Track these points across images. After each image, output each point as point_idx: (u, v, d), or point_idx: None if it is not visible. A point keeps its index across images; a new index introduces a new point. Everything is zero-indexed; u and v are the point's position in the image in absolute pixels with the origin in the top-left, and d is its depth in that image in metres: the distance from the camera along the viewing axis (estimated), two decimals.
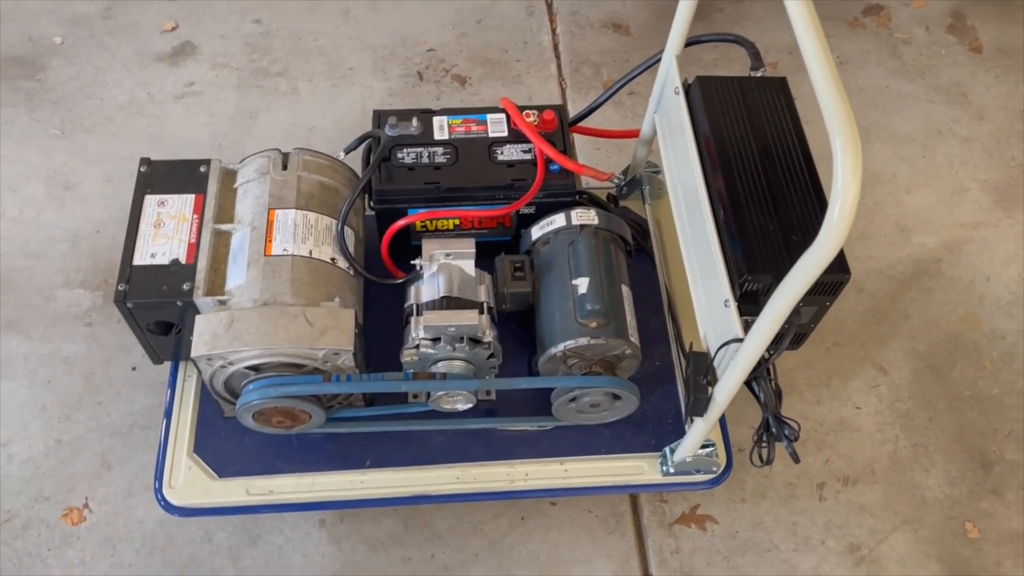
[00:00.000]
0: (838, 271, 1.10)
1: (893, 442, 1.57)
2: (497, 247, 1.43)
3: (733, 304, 1.08)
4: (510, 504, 1.47)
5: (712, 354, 1.12)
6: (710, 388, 1.12)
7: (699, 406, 1.14)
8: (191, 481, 1.30)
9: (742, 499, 1.50)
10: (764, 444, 1.16)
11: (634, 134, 1.52)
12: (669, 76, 1.32)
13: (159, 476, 1.30)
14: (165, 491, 1.29)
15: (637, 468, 1.35)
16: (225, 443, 1.34)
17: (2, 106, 1.92)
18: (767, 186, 1.17)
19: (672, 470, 1.32)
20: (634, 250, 1.44)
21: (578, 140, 1.89)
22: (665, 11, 2.19)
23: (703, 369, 1.13)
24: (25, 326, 1.62)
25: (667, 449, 1.33)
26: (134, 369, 1.58)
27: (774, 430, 1.14)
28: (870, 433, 1.58)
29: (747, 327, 1.08)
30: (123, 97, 1.95)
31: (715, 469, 1.33)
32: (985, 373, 1.65)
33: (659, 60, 1.35)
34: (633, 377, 1.34)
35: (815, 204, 1.14)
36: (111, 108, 1.93)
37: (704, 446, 1.31)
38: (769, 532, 1.47)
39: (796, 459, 1.14)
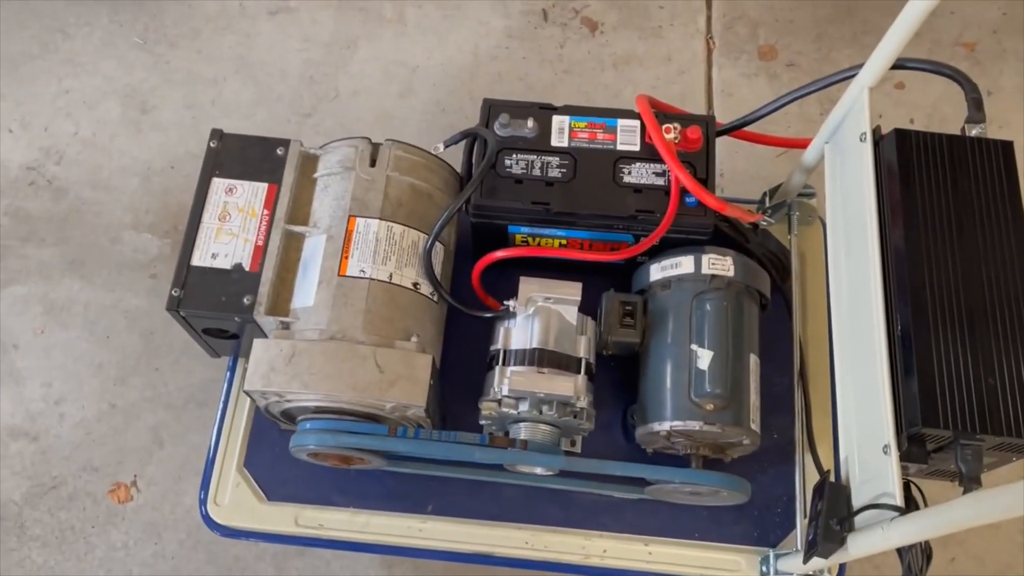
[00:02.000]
0: None
1: None
2: (605, 269, 1.22)
3: (894, 454, 0.86)
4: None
5: (856, 503, 0.91)
6: (845, 536, 0.92)
7: (825, 551, 0.94)
8: (238, 500, 1.19)
9: None
10: None
11: (801, 144, 1.24)
12: (854, 112, 1.04)
13: (205, 487, 1.19)
14: (210, 507, 1.18)
15: (733, 563, 1.17)
16: (279, 460, 1.20)
17: (82, 3, 1.74)
18: (964, 301, 0.91)
19: (772, 573, 1.14)
20: (769, 302, 1.21)
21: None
22: None
23: (840, 512, 0.92)
24: (89, 269, 1.51)
25: (772, 554, 1.14)
26: None
27: None
28: (1009, 532, 1.36)
29: (906, 482, 0.87)
30: (213, 6, 1.75)
31: None
32: None
33: (850, 77, 1.07)
34: (744, 456, 1.15)
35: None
36: (199, 18, 1.73)
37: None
38: None
39: None
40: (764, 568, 1.15)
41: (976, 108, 1.01)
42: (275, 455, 1.21)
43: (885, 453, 0.87)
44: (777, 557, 1.14)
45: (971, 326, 0.90)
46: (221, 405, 1.24)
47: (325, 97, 1.65)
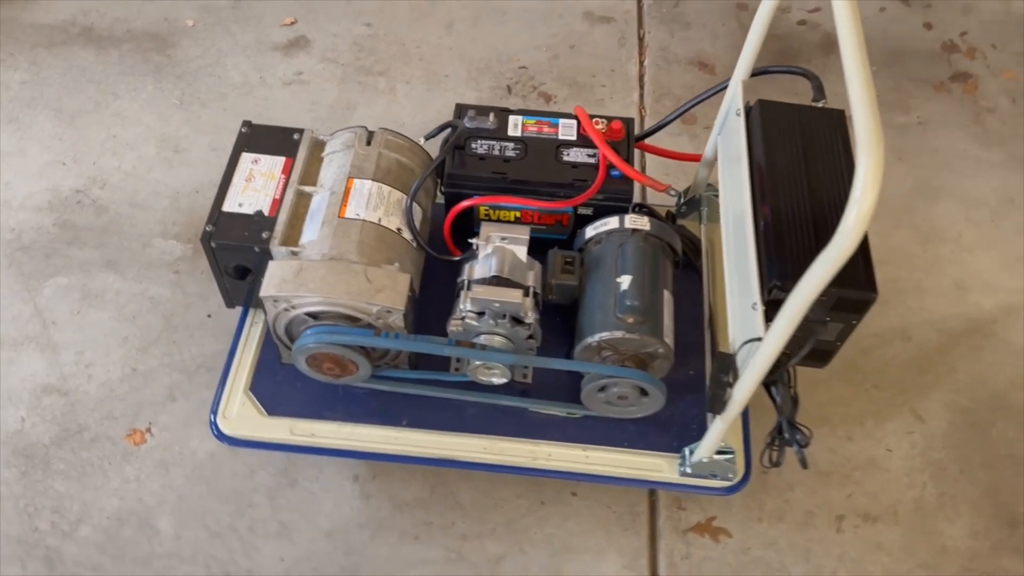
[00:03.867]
0: (864, 288, 1.15)
1: (920, 488, 1.58)
2: (554, 244, 1.52)
3: (760, 307, 1.14)
4: (533, 487, 1.54)
5: (736, 353, 1.18)
6: (730, 386, 1.18)
7: (717, 402, 1.19)
8: (243, 415, 1.42)
9: (759, 519, 1.53)
10: (775, 447, 1.20)
11: (696, 158, 1.60)
12: (734, 100, 1.40)
13: (215, 407, 1.42)
14: (219, 421, 1.41)
15: (656, 465, 1.40)
16: (279, 386, 1.45)
17: (133, 74, 2.13)
18: (810, 209, 1.22)
19: (689, 470, 1.37)
20: (682, 262, 1.50)
21: (650, 165, 1.98)
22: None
23: (726, 367, 1.18)
24: (122, 266, 1.79)
25: (687, 449, 1.38)
26: (209, 316, 1.73)
27: (786, 435, 1.18)
28: (898, 476, 1.59)
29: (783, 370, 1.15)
30: (238, 78, 2.14)
31: (731, 476, 1.37)
32: None
33: (724, 88, 1.44)
34: (666, 382, 1.40)
35: None
36: (226, 86, 2.12)
37: (723, 452, 1.36)
38: (781, 554, 1.50)
39: (805, 464, 1.18)
40: (682, 467, 1.38)
41: (819, 91, 1.38)
42: (276, 382, 1.46)
43: (753, 309, 1.15)
44: (691, 452, 1.37)
45: (815, 227, 1.21)
46: (232, 341, 1.49)
47: None
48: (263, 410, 1.43)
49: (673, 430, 1.43)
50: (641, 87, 2.18)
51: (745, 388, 1.15)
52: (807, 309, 0.99)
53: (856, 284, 1.15)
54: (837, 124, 1.34)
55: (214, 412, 1.42)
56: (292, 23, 2.27)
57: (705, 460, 1.35)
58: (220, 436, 1.41)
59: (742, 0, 2.38)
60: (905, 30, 2.35)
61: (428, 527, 1.50)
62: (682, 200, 1.66)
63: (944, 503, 1.56)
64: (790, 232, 1.20)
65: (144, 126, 2.03)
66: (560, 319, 1.50)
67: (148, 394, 1.63)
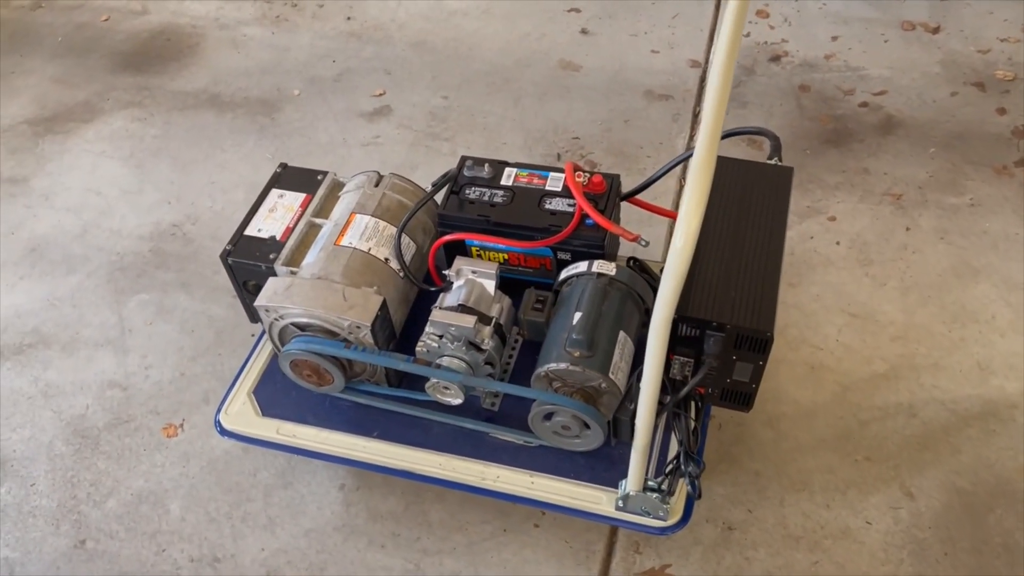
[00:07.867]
0: (759, 326, 1.19)
1: (895, 564, 1.51)
2: (540, 287, 1.64)
3: None
4: (499, 514, 1.62)
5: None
6: (631, 411, 1.24)
7: (619, 427, 1.26)
8: (241, 413, 1.61)
9: (715, 573, 1.53)
10: (669, 476, 1.24)
11: (673, 215, 1.67)
12: None
13: (221, 403, 1.63)
14: (221, 416, 1.61)
15: (596, 498, 1.45)
16: (277, 393, 1.64)
17: (241, 132, 2.48)
18: (731, 252, 1.29)
19: (621, 504, 1.41)
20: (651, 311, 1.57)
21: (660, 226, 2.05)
22: (802, 134, 2.30)
23: (632, 397, 1.25)
24: (193, 288, 2.08)
25: (622, 482, 1.42)
26: (252, 335, 1.96)
27: (681, 465, 1.22)
28: (872, 550, 1.53)
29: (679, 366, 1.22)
30: (325, 139, 2.44)
31: (662, 515, 1.40)
32: None
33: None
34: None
35: (764, 279, 1.25)
36: (312, 145, 2.42)
37: (656, 492, 1.39)
38: None
39: (697, 495, 1.21)
40: (620, 502, 1.42)
41: (775, 150, 1.44)
42: (276, 389, 1.65)
43: None
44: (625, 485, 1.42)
45: (727, 270, 1.27)
46: (248, 353, 1.70)
47: None
48: (259, 410, 1.61)
49: (622, 469, 1.47)
50: (684, 169, 2.27)
51: (641, 412, 1.20)
52: (667, 325, 1.06)
53: (751, 321, 1.20)
54: (784, 180, 1.39)
55: (220, 406, 1.63)
56: (381, 94, 2.57)
57: (633, 494, 1.39)
58: (220, 429, 1.61)
59: (804, 83, 2.43)
60: (975, 114, 2.31)
61: (395, 538, 1.61)
62: (647, 243, 1.72)
63: None
64: (705, 274, 1.27)
65: (239, 175, 2.36)
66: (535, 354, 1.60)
67: (188, 396, 1.87)
